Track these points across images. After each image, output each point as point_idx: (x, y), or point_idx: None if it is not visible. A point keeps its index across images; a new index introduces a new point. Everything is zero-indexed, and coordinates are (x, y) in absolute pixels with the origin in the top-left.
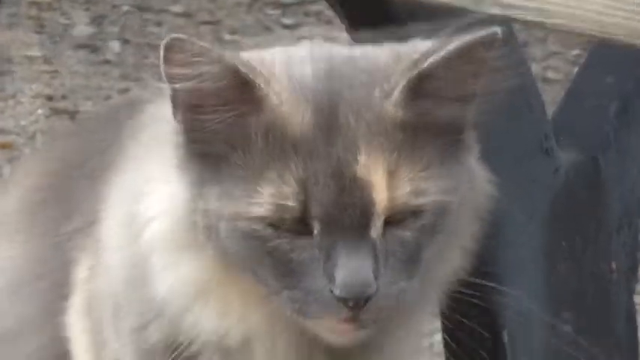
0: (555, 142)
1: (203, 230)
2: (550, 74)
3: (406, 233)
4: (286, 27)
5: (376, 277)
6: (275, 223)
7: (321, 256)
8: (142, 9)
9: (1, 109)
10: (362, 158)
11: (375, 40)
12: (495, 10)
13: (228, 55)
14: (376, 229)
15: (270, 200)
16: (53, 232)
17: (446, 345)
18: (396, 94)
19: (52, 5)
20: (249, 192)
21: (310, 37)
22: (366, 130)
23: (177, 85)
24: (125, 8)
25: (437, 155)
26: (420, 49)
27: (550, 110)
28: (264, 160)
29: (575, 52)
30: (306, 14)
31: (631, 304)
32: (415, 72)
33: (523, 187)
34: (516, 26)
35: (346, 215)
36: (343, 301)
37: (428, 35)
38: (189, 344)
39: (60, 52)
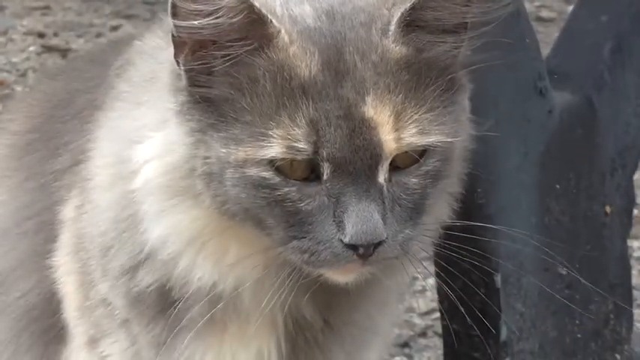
0: (549, 82)
1: (202, 178)
2: (544, 13)
3: (411, 180)
4: None
5: (385, 224)
6: (284, 169)
7: (330, 204)
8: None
9: None
10: (370, 99)
11: None
12: None
13: None
14: (384, 173)
15: (281, 142)
16: (40, 173)
17: (439, 290)
18: (393, 29)
19: None
20: (258, 136)
21: None
22: (372, 71)
23: (192, 22)
24: None
25: (439, 96)
26: None
27: (544, 50)
28: (273, 103)
29: None
30: None
31: (624, 248)
32: (407, 5)
33: (517, 127)
34: None
35: (357, 157)
36: (353, 248)
37: None
38: (180, 291)
39: None
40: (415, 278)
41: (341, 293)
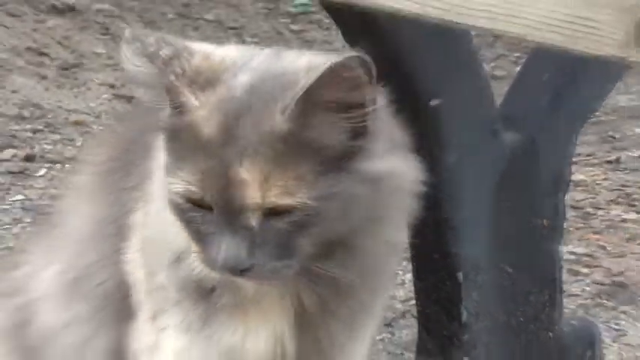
0: (502, 124)
1: None
2: (497, 72)
3: (280, 225)
4: (294, 32)
5: (251, 256)
6: (187, 198)
7: (216, 232)
8: (182, 16)
9: (75, 94)
10: (245, 164)
11: None
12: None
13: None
14: (255, 219)
15: (182, 183)
16: (118, 190)
17: (415, 282)
18: (287, 106)
19: (114, 13)
20: (174, 173)
21: (312, 41)
22: (257, 140)
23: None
24: (170, 16)
25: (316, 165)
26: (311, 67)
27: (498, 101)
28: (184, 151)
29: (517, 54)
30: (310, 22)
31: (557, 252)
32: (300, 92)
33: (476, 160)
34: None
35: (229, 206)
36: (223, 266)
37: None
38: (206, 279)
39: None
40: (397, 273)
41: (336, 285)
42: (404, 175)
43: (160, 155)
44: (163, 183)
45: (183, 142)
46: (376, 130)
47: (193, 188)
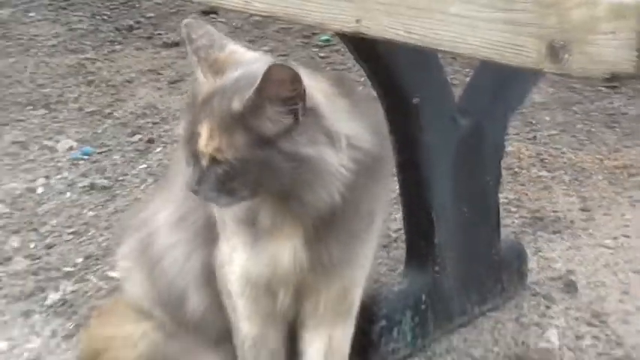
0: (459, 114)
1: None
2: (455, 82)
3: (218, 170)
4: (321, 57)
5: (197, 185)
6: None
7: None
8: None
9: (179, 99)
10: (203, 122)
11: None
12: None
13: None
14: (204, 162)
15: (180, 128)
16: None
17: (404, 218)
18: (244, 99)
19: None
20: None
21: (334, 62)
22: (216, 111)
23: None
24: None
25: (248, 139)
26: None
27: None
28: (188, 108)
29: (468, 69)
30: (332, 50)
31: (496, 197)
32: (252, 90)
33: (443, 138)
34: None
35: (190, 149)
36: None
37: None
38: (250, 215)
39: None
40: (391, 213)
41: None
42: (327, 163)
43: None
44: None
45: (191, 103)
46: (307, 124)
47: (181, 132)
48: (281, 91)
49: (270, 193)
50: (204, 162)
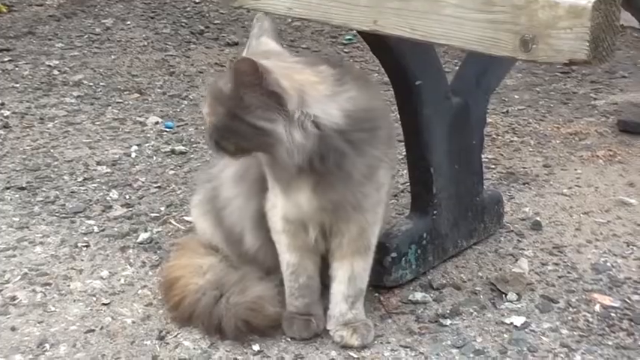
0: (451, 93)
1: None
2: (446, 69)
3: (211, 130)
4: (345, 53)
5: (209, 140)
6: None
7: None
8: (290, 47)
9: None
10: (205, 105)
11: None
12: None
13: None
14: (207, 124)
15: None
16: None
17: (409, 173)
18: (229, 84)
19: None
20: None
21: (355, 57)
22: (216, 92)
23: None
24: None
25: (226, 109)
26: None
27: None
28: None
29: (456, 60)
30: (354, 47)
31: (479, 157)
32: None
33: (439, 111)
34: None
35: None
36: None
37: None
38: (284, 171)
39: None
40: (398, 169)
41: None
42: (280, 134)
43: None
44: None
45: None
46: (269, 104)
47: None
48: (246, 78)
49: (253, 152)
50: (207, 124)
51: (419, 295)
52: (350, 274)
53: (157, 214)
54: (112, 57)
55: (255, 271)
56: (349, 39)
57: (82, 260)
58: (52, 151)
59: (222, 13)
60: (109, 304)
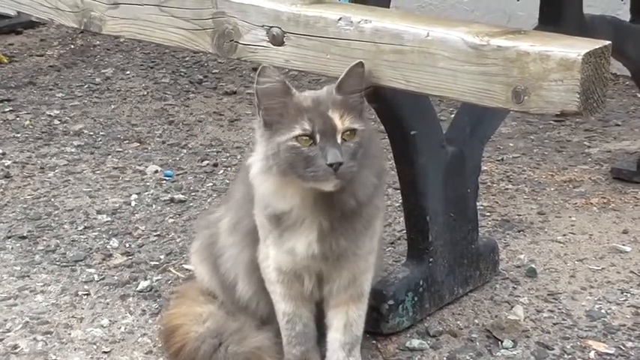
0: (446, 142)
1: (272, 157)
2: (442, 118)
3: (350, 144)
4: None
5: (342, 156)
6: (300, 140)
7: (320, 152)
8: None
9: (237, 134)
10: (330, 111)
11: None
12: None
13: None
14: (339, 138)
15: (300, 128)
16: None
17: (405, 221)
18: (336, 90)
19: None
20: (290, 129)
21: None
22: (331, 102)
23: (263, 98)
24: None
25: (355, 111)
26: None
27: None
28: (294, 118)
29: (452, 109)
30: None
31: (474, 205)
32: (338, 84)
33: (434, 160)
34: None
35: (328, 131)
36: (330, 165)
37: None
38: (275, 213)
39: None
40: (396, 217)
41: (339, 209)
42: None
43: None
44: (266, 158)
45: (291, 114)
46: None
47: (307, 127)
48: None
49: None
50: (339, 140)
51: (416, 342)
52: (345, 321)
53: (157, 263)
54: (112, 106)
55: (252, 320)
56: None
57: (83, 309)
58: (52, 200)
59: (220, 63)
60: (109, 352)
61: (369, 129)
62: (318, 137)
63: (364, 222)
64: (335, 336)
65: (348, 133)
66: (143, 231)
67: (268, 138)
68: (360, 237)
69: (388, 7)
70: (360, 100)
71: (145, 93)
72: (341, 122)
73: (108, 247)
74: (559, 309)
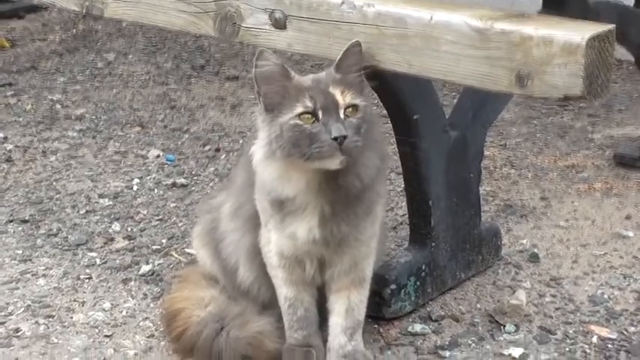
0: (449, 127)
1: (275, 140)
2: (445, 103)
3: (353, 119)
4: None
5: (346, 130)
6: (303, 118)
7: (323, 127)
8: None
9: (238, 119)
10: (330, 88)
11: None
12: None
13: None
14: (342, 113)
15: (301, 106)
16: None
17: (407, 206)
18: (335, 69)
19: None
20: (292, 108)
21: None
22: (331, 80)
23: (262, 82)
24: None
25: (356, 87)
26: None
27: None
28: (295, 97)
29: (454, 93)
30: None
31: (477, 189)
32: (337, 63)
33: (437, 145)
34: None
35: (331, 107)
36: (335, 138)
37: None
38: (278, 199)
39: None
40: (398, 201)
41: (344, 193)
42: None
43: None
44: (269, 143)
45: (292, 94)
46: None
47: (309, 104)
48: (355, 60)
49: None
50: (342, 114)
51: (418, 327)
52: (347, 306)
53: (159, 247)
54: (114, 91)
55: (253, 304)
56: None
57: (85, 292)
58: (54, 184)
59: (222, 48)
60: (111, 336)
61: (371, 109)
62: (320, 114)
63: (365, 207)
64: (337, 320)
65: (350, 109)
66: (145, 215)
67: (270, 121)
68: (361, 222)
69: None
70: (359, 79)
71: (147, 77)
72: (342, 98)
73: (110, 231)
74: (561, 294)
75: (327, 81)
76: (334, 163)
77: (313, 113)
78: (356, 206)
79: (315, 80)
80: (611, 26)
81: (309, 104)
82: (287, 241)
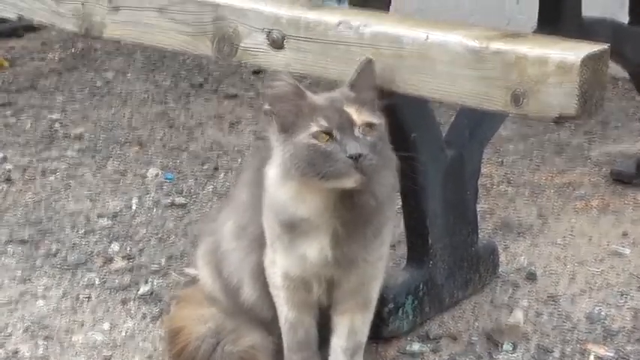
0: (446, 145)
1: (290, 159)
2: (441, 121)
3: (368, 137)
4: None
5: (362, 149)
6: (318, 137)
7: (339, 146)
8: None
9: (237, 137)
10: (345, 106)
11: None
12: None
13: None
14: (358, 132)
15: (316, 124)
16: (256, 186)
17: (405, 225)
18: (349, 88)
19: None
20: (307, 127)
21: None
22: (345, 98)
23: (275, 103)
24: None
25: (370, 106)
26: None
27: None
28: (309, 116)
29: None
30: None
31: (474, 207)
32: (350, 82)
33: (434, 162)
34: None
35: (346, 125)
36: (350, 156)
37: None
38: (291, 220)
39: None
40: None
41: (358, 212)
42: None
43: (272, 154)
44: (283, 163)
45: (306, 114)
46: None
47: (324, 124)
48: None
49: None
50: (358, 133)
51: (416, 346)
52: (350, 328)
53: (158, 267)
54: (113, 110)
55: (251, 320)
56: None
57: (84, 313)
58: (53, 204)
59: (220, 66)
60: (110, 356)
61: (385, 127)
62: (335, 132)
63: (374, 228)
64: (338, 342)
65: (366, 127)
66: (144, 235)
67: (284, 141)
68: (369, 243)
69: (388, 10)
70: (373, 97)
71: (146, 96)
72: (357, 116)
73: (109, 250)
74: (559, 312)
75: (341, 99)
76: (350, 182)
77: (328, 132)
78: (366, 227)
79: (329, 99)
80: (606, 46)
81: (324, 123)
82: (295, 262)
